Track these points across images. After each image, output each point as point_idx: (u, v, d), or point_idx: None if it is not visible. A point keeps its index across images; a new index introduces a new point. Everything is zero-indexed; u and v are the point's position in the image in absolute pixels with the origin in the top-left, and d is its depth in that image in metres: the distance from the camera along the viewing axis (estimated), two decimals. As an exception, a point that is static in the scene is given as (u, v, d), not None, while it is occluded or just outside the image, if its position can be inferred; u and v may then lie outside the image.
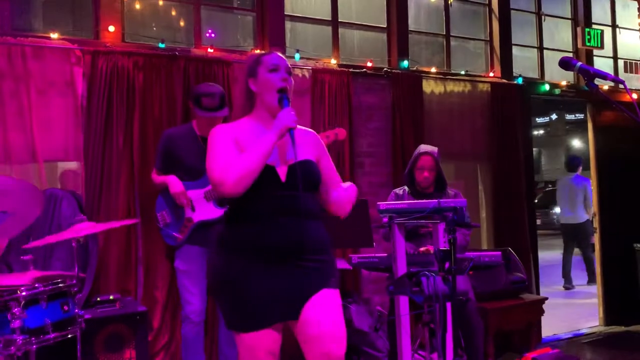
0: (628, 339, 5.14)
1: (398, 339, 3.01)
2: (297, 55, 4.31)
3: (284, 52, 4.33)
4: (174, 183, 3.15)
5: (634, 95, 5.90)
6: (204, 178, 3.17)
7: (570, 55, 5.94)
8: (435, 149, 3.61)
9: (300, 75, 4.28)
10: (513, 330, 4.44)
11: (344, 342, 1.95)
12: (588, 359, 4.55)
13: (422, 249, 3.34)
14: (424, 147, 3.65)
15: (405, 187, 3.69)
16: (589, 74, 1.98)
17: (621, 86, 5.83)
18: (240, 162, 1.89)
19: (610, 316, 5.60)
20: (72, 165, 3.56)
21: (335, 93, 4.31)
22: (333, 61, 4.50)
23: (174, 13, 4.27)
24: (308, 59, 4.40)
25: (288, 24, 4.49)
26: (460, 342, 3.28)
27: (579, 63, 2.02)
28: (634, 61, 6.30)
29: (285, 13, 4.43)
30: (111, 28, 3.74)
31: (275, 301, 1.91)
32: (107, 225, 2.80)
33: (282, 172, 1.97)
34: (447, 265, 1.95)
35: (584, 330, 5.33)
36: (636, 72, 6.32)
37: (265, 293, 1.90)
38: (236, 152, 1.95)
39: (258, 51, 4.19)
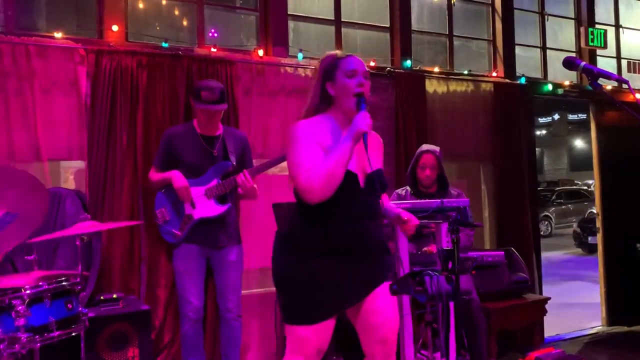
0: (631, 339, 5.14)
1: (401, 338, 3.01)
2: (300, 55, 4.32)
3: (287, 52, 4.34)
4: (178, 178, 3.16)
5: (638, 95, 5.87)
6: (205, 176, 3.19)
7: (574, 55, 5.93)
8: (437, 148, 3.61)
9: (303, 74, 4.28)
10: (516, 330, 4.45)
11: (397, 330, 2.15)
12: (591, 359, 4.54)
13: (424, 248, 3.34)
14: (425, 146, 3.66)
15: (408, 188, 3.70)
16: (593, 73, 1.98)
17: (625, 86, 5.82)
18: (324, 169, 1.96)
19: (613, 316, 5.59)
20: (76, 164, 3.57)
21: (338, 93, 4.30)
22: (336, 61, 4.49)
23: (177, 12, 4.28)
24: (311, 58, 4.40)
25: (291, 24, 4.49)
26: (463, 342, 3.28)
27: (583, 63, 2.03)
28: (637, 61, 6.29)
29: (288, 13, 4.44)
30: (115, 27, 3.75)
31: (340, 292, 2.04)
32: (112, 225, 2.81)
33: (360, 178, 2.10)
34: (450, 264, 1.96)
35: (587, 330, 5.33)
36: (639, 72, 6.31)
37: (333, 286, 2.03)
38: (320, 154, 2.02)
39: (261, 52, 4.20)
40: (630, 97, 5.89)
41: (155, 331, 3.53)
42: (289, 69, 4.25)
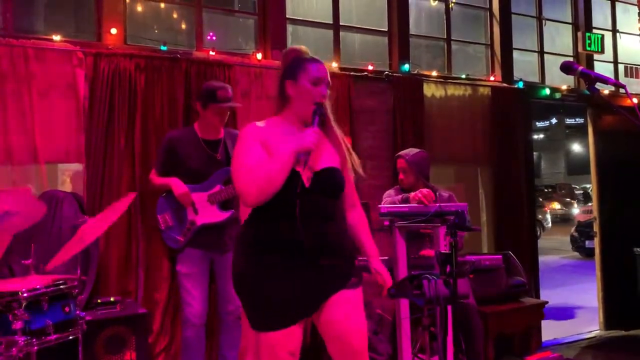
0: (628, 343, 5.14)
1: (398, 342, 3.01)
2: (298, 59, 4.32)
3: (285, 55, 4.35)
4: (178, 184, 3.15)
5: (635, 100, 5.91)
6: (208, 181, 3.17)
7: (571, 59, 5.95)
8: (412, 152, 3.60)
9: (301, 78, 4.28)
10: (513, 334, 4.44)
11: (364, 338, 2.06)
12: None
13: (421, 252, 3.34)
14: (401, 152, 3.70)
15: (398, 186, 3.72)
16: (590, 78, 1.99)
17: (622, 90, 5.83)
18: (262, 176, 1.94)
19: (610, 320, 5.59)
20: (74, 166, 3.57)
21: (337, 96, 4.31)
22: (334, 64, 4.51)
23: (175, 16, 4.28)
24: (309, 62, 4.40)
25: (289, 27, 4.51)
26: (461, 346, 3.28)
27: (580, 67, 2.03)
28: (634, 66, 6.31)
29: (287, 16, 4.45)
30: (113, 30, 3.75)
31: (296, 300, 1.97)
32: (109, 215, 2.75)
33: (306, 178, 2.01)
34: (448, 268, 1.96)
35: (584, 335, 5.33)
36: (636, 77, 6.33)
37: (287, 292, 1.96)
38: (261, 157, 1.99)
39: (259, 55, 4.20)
40: (627, 102, 5.91)
41: (152, 335, 3.52)
42: (287, 73, 4.25)
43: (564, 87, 5.70)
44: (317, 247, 1.98)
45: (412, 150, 3.68)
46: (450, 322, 2.38)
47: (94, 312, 3.04)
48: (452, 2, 5.26)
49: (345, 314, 2.02)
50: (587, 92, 5.84)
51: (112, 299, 3.19)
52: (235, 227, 3.26)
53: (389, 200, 3.54)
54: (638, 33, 6.34)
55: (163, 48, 3.84)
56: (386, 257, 3.19)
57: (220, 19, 4.39)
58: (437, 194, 3.60)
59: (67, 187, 3.54)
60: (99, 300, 3.17)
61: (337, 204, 2.14)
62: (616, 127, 5.73)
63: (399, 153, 3.69)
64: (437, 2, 5.20)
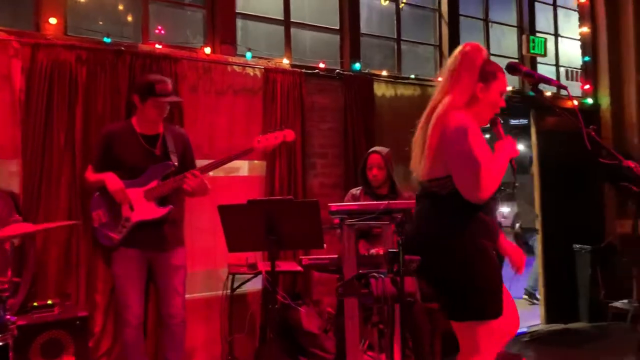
0: (567, 336, 5.34)
1: (347, 340, 3.00)
2: (248, 54, 4.26)
3: (235, 51, 4.27)
4: (112, 180, 3.03)
5: (575, 102, 6.16)
6: (144, 176, 3.07)
7: (516, 61, 6.12)
8: (385, 150, 3.65)
9: (251, 74, 4.23)
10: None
11: None
12: (529, 356, 4.68)
13: (372, 250, 3.35)
14: (374, 147, 3.71)
15: (362, 187, 3.72)
16: (534, 79, 2.04)
17: (563, 92, 6.06)
18: (497, 174, 2.08)
19: (551, 314, 5.80)
20: (9, 163, 3.38)
21: (288, 93, 4.28)
22: (285, 61, 4.46)
23: (121, 7, 4.13)
24: (260, 58, 4.35)
25: (239, 22, 4.43)
26: (408, 343, 3.30)
27: (525, 68, 2.08)
28: (574, 69, 6.56)
29: (237, 11, 4.37)
30: (53, 20, 3.57)
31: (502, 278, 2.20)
32: (45, 226, 2.66)
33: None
34: (395, 266, 1.96)
35: (526, 329, 5.49)
36: (576, 80, 6.58)
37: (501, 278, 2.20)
38: (490, 155, 2.10)
39: (208, 49, 4.10)
40: (568, 103, 6.15)
41: (93, 338, 3.38)
42: (236, 68, 4.18)
43: (509, 88, 5.85)
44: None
45: (382, 148, 3.69)
46: (397, 319, 2.39)
47: (29, 316, 2.89)
48: (402, 3, 5.31)
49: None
50: (531, 94, 6.04)
51: (49, 302, 3.04)
52: (174, 223, 3.17)
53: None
54: (578, 37, 6.59)
55: (106, 40, 3.69)
56: (335, 256, 3.19)
57: (168, 12, 4.27)
58: (400, 192, 3.63)
59: (2, 185, 3.34)
60: (35, 304, 3.02)
61: None
62: (558, 128, 5.94)
63: (373, 149, 3.69)
64: (387, 2, 5.24)
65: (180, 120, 3.79)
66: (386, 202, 2.83)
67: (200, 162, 3.32)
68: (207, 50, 4.10)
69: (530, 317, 5.89)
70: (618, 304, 5.61)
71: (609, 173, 6.15)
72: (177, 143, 3.21)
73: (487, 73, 2.15)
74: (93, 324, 3.39)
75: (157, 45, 3.90)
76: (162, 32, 4.09)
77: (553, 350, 4.89)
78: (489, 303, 2.08)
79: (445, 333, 4.14)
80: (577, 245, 5.79)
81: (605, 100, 6.36)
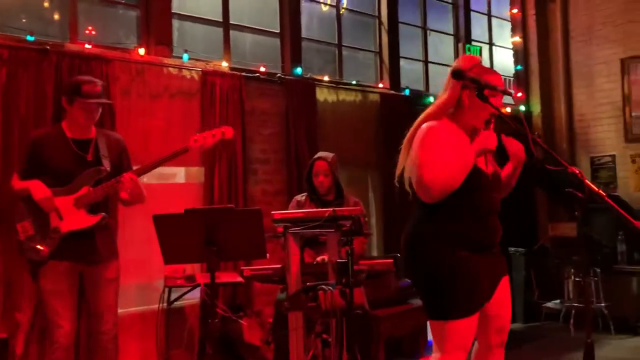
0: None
1: (291, 352, 2.90)
2: (185, 56, 4.09)
3: (170, 52, 4.10)
4: (38, 188, 2.79)
5: (508, 109, 6.37)
6: (74, 183, 2.85)
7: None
8: (331, 155, 3.58)
9: (188, 77, 4.07)
10: (403, 336, 4.52)
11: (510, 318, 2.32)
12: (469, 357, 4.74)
13: (318, 258, 3.27)
14: (320, 153, 3.64)
15: (307, 194, 3.63)
16: (480, 84, 2.03)
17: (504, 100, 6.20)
18: (449, 173, 2.07)
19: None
20: None
21: (227, 97, 4.14)
22: (224, 64, 4.33)
23: (46, 5, 3.87)
24: (197, 60, 4.19)
25: (176, 23, 4.26)
26: (355, 352, 3.24)
27: (471, 74, 2.07)
28: (507, 77, 6.78)
29: (173, 11, 4.20)
30: (-32, 15, 3.29)
31: (482, 287, 2.13)
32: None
33: (489, 176, 2.21)
34: (344, 278, 1.88)
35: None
36: (509, 88, 6.81)
37: (475, 282, 2.11)
38: (450, 156, 2.08)
39: (142, 50, 3.90)
40: (504, 110, 6.33)
41: (15, 360, 3.11)
42: (172, 70, 4.01)
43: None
44: (494, 240, 2.19)
45: (327, 153, 3.62)
46: (344, 330, 2.31)
47: (-61, 341, 2.61)
48: (342, 8, 5.29)
49: (505, 295, 2.24)
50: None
51: (-38, 324, 2.76)
52: (107, 233, 2.96)
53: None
54: (510, 47, 6.82)
55: (30, 38, 3.45)
56: (279, 265, 3.09)
57: (98, 11, 4.03)
58: (346, 198, 3.57)
59: None
60: (-54, 326, 2.73)
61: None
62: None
63: (319, 155, 3.61)
64: (328, 7, 5.20)
65: (112, 124, 3.58)
66: (331, 209, 2.75)
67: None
68: (141, 51, 3.91)
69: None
70: (550, 304, 5.80)
71: (540, 178, 6.39)
72: (111, 148, 3.01)
73: (474, 78, 2.16)
74: (14, 345, 3.11)
75: (86, 45, 3.68)
76: (93, 32, 3.85)
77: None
78: (454, 304, 2.10)
79: (388, 339, 4.13)
80: (512, 248, 5.95)
81: (536, 108, 6.60)
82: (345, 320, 1.98)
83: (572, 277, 5.65)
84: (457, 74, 2.08)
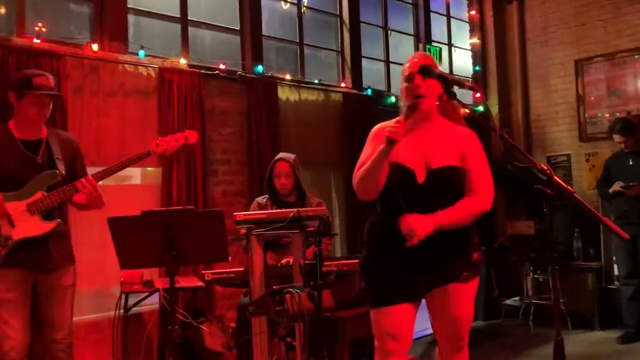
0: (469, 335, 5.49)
1: (255, 357, 2.81)
2: (141, 52, 3.95)
3: (126, 48, 3.94)
4: None
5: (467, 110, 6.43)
6: (26, 188, 2.68)
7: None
8: (292, 156, 3.52)
9: (145, 74, 3.93)
10: (367, 337, 4.48)
11: (465, 328, 2.27)
12: (430, 357, 4.75)
13: (283, 260, 3.19)
14: (280, 154, 3.56)
15: (268, 196, 3.54)
16: (447, 81, 2.00)
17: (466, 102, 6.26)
18: (361, 171, 2.13)
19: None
20: None
21: (186, 95, 4.02)
22: (182, 61, 4.19)
23: (-9, -3, 3.66)
24: (154, 57, 4.05)
25: (131, 18, 4.10)
26: (320, 355, 3.18)
27: (438, 70, 2.04)
28: (465, 78, 6.86)
29: (129, 6, 4.04)
30: None
31: (391, 286, 2.13)
32: None
33: (420, 176, 2.12)
34: (312, 280, 1.82)
35: (429, 330, 5.60)
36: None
37: (384, 279, 2.14)
38: (371, 155, 2.11)
39: (95, 46, 3.74)
40: (464, 110, 6.40)
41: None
42: (128, 67, 3.86)
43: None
44: (425, 240, 2.03)
45: (289, 154, 3.55)
46: (312, 333, 2.24)
47: None
48: (304, 6, 5.23)
49: (452, 302, 2.18)
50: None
51: None
52: (62, 239, 2.81)
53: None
54: (469, 48, 6.91)
55: (-29, 31, 3.23)
56: (241, 269, 3.00)
57: (48, 5, 3.83)
58: (308, 199, 3.51)
59: None
60: None
61: (455, 201, 2.14)
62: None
63: (280, 156, 3.54)
64: (289, 5, 5.13)
65: (63, 123, 3.41)
66: (296, 209, 2.68)
67: (88, 171, 2.96)
68: (95, 47, 3.74)
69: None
70: (510, 301, 5.90)
71: (499, 177, 6.49)
72: (64, 149, 2.85)
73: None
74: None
75: (35, 40, 3.49)
76: (43, 29, 3.65)
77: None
78: (369, 295, 2.21)
79: (352, 341, 4.09)
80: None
81: (494, 108, 6.70)
82: (314, 324, 1.91)
83: (531, 274, 5.77)
84: (423, 70, 2.05)
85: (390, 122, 2.06)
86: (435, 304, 2.23)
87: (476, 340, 5.19)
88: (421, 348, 4.96)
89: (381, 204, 2.22)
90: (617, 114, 5.86)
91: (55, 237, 2.76)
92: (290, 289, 1.75)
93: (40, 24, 3.61)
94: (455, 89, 2.00)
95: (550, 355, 1.83)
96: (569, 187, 1.67)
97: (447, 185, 2.12)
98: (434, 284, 2.17)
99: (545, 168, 1.68)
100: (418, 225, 2.01)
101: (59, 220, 2.76)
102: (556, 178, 1.68)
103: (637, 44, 5.83)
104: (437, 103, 2.20)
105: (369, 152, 2.17)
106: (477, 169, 2.18)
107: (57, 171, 2.76)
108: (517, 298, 5.91)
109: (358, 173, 2.15)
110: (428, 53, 6.06)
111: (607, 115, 6.04)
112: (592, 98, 6.17)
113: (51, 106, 2.83)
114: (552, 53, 6.43)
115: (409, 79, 2.16)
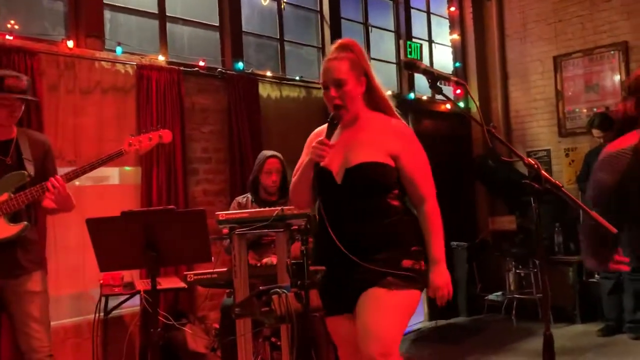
0: (450, 331, 5.53)
1: (240, 358, 2.77)
2: (118, 49, 3.86)
3: (102, 45, 3.84)
4: None
5: (448, 106, 6.46)
6: None
7: (394, 66, 6.28)
8: (278, 153, 3.47)
9: (122, 71, 3.84)
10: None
11: (381, 341, 1.96)
12: (415, 354, 4.76)
13: (264, 260, 3.14)
14: (269, 151, 3.51)
15: (249, 195, 3.48)
16: (433, 75, 1.97)
17: (438, 97, 6.28)
18: (292, 182, 2.16)
19: (433, 311, 5.98)
20: None
21: (165, 92, 3.94)
22: (161, 57, 4.11)
23: (-40, -8, 3.54)
24: (132, 53, 3.96)
25: (108, 14, 4.00)
26: (307, 355, 3.14)
27: (423, 65, 2.01)
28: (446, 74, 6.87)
29: (105, 2, 3.94)
30: None
31: (337, 294, 2.06)
32: None
33: (339, 176, 2.07)
34: (299, 280, 1.78)
35: (413, 327, 5.61)
36: (447, 85, 6.89)
37: (335, 285, 2.06)
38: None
39: (71, 43, 3.64)
40: (441, 107, 6.43)
41: None
42: (105, 64, 3.77)
43: (388, 92, 5.94)
44: (351, 245, 1.98)
45: (273, 152, 3.48)
46: (300, 334, 2.20)
47: None
48: (284, 2, 5.17)
49: (366, 307, 1.99)
50: (411, 97, 6.22)
51: None
52: (29, 243, 2.71)
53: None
54: (449, 44, 6.92)
55: (-60, 28, 3.12)
56: (224, 269, 2.94)
57: (21, 0, 3.72)
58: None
59: None
60: None
61: (378, 201, 2.06)
62: (434, 131, 6.17)
63: (271, 153, 3.48)
64: (268, 1, 5.07)
65: (38, 123, 3.31)
66: (279, 208, 2.64)
67: (63, 171, 2.87)
68: (70, 43, 3.64)
69: (414, 315, 6.03)
70: (492, 296, 5.94)
71: (480, 173, 6.53)
72: (35, 150, 2.75)
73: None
74: None
75: (7, 37, 3.38)
76: (17, 26, 3.54)
77: (436, 346, 5.02)
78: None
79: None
80: (455, 243, 6.03)
81: (474, 104, 6.73)
82: (302, 324, 1.87)
83: (513, 269, 5.81)
84: (409, 65, 2.02)
85: (316, 139, 2.05)
86: (356, 311, 2.04)
87: (460, 336, 5.27)
88: (404, 345, 4.96)
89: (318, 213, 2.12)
90: (595, 109, 5.93)
91: (22, 242, 2.67)
92: (277, 289, 1.71)
93: (12, 21, 3.50)
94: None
95: (534, 349, 1.82)
96: (557, 182, 1.66)
97: (366, 182, 2.04)
98: (361, 290, 2.01)
99: (533, 162, 1.67)
100: (447, 285, 2.18)
101: (25, 223, 2.66)
102: (544, 172, 1.66)
103: (614, 40, 5.91)
104: (365, 96, 2.20)
105: (301, 161, 2.17)
106: (418, 170, 2.15)
107: (26, 172, 2.67)
108: (499, 293, 5.95)
109: (291, 184, 2.16)
110: (409, 50, 6.07)
111: (585, 110, 6.11)
112: (571, 93, 6.23)
113: (23, 107, 2.74)
114: (531, 49, 6.48)
115: (324, 86, 2.12)
